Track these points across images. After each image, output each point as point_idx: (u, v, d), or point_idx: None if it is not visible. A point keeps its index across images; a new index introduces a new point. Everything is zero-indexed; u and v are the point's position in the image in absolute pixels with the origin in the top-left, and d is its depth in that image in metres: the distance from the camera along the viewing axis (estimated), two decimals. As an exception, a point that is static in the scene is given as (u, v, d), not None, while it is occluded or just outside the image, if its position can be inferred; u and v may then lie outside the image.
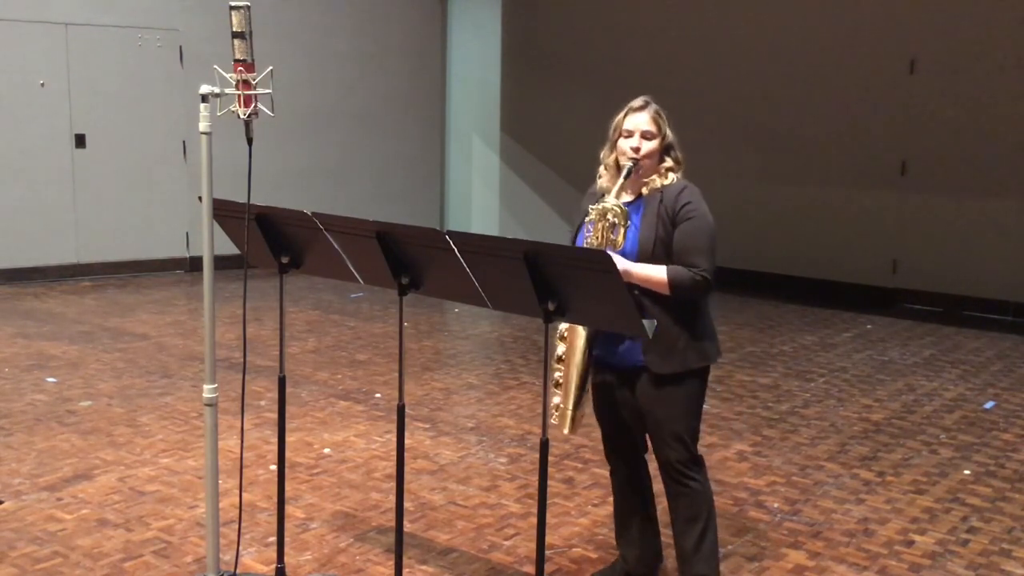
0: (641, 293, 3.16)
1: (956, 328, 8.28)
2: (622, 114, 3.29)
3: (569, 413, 3.29)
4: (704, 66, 10.04)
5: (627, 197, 3.29)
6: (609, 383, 3.37)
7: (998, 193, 8.64)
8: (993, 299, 8.69)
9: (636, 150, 3.22)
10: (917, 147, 9.02)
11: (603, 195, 3.28)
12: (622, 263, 3.12)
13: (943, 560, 3.93)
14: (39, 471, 4.65)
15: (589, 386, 3.34)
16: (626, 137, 3.25)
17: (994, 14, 8.54)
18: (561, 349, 3.30)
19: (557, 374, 3.32)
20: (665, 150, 3.27)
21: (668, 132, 3.27)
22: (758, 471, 4.88)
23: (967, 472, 4.92)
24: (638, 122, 3.24)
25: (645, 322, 2.76)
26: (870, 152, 9.27)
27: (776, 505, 4.45)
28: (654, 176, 3.26)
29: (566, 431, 3.33)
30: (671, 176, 3.26)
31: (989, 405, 6.09)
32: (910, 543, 4.08)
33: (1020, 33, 8.42)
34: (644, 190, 3.27)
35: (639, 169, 3.23)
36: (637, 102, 3.29)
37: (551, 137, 11.36)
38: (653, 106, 3.28)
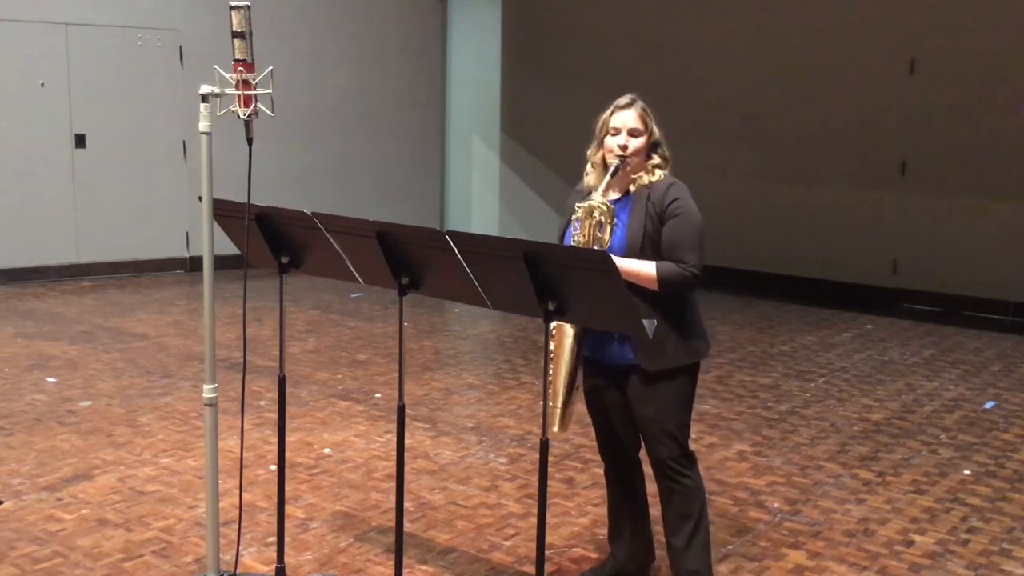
0: (630, 290, 3.15)
1: (956, 328, 8.28)
2: (608, 111, 3.29)
3: (558, 411, 3.28)
4: (704, 66, 10.04)
5: (614, 195, 3.29)
6: (600, 384, 3.37)
7: (998, 193, 8.64)
8: (993, 299, 8.69)
9: (623, 147, 3.22)
10: (917, 147, 9.02)
11: (589, 193, 3.28)
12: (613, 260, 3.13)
13: (943, 560, 3.93)
14: (39, 471, 4.65)
15: (579, 384, 3.33)
16: (613, 135, 3.25)
17: (994, 14, 8.54)
18: (551, 346, 3.28)
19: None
20: (652, 147, 3.27)
21: (655, 129, 3.27)
22: (758, 471, 4.88)
23: (967, 472, 4.92)
24: (625, 119, 3.24)
25: (645, 322, 2.76)
26: (870, 152, 9.27)
27: (776, 505, 4.45)
28: (641, 173, 3.26)
29: (555, 429, 3.31)
30: (658, 173, 3.26)
31: (989, 405, 6.09)
32: (910, 543, 4.08)
33: (1020, 33, 8.43)
34: (631, 187, 3.27)
35: (626, 166, 3.23)
36: (623, 99, 3.29)
37: (551, 137, 11.35)
38: (640, 103, 3.28)
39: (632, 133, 3.23)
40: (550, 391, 3.30)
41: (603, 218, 3.17)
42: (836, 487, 4.68)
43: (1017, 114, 8.47)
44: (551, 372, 3.29)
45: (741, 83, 9.87)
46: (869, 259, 9.35)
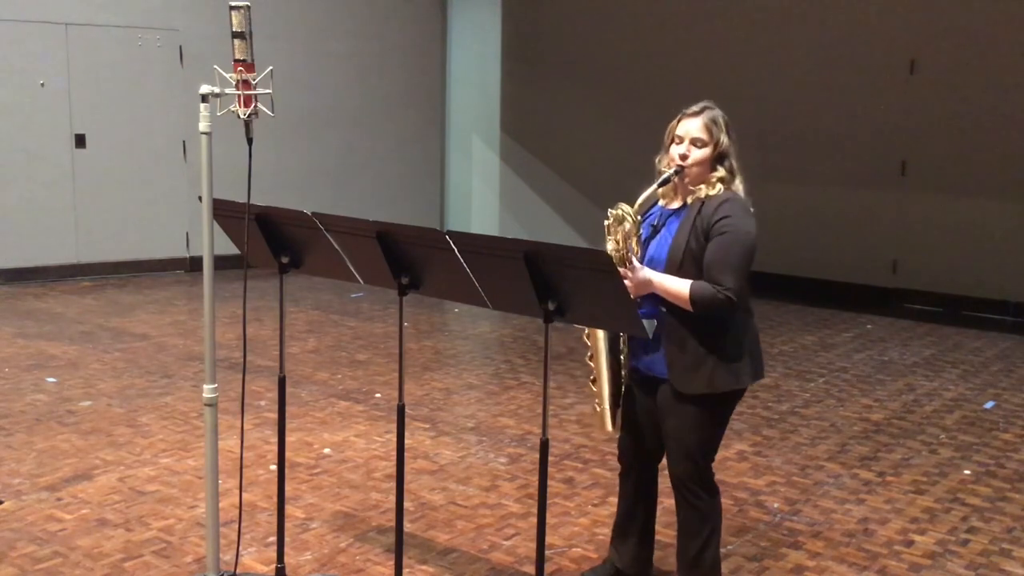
0: (668, 308, 3.09)
1: (956, 328, 8.28)
2: (677, 118, 3.18)
3: (607, 411, 3.27)
4: (704, 66, 10.03)
5: (675, 204, 3.23)
6: (635, 389, 3.34)
7: (998, 193, 8.64)
8: (993, 299, 8.69)
9: (683, 157, 3.12)
10: (917, 147, 9.02)
11: (653, 202, 3.24)
12: (646, 272, 3.09)
13: (943, 560, 3.93)
14: (39, 471, 4.65)
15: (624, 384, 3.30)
16: (677, 143, 3.15)
17: (994, 14, 8.54)
18: (592, 348, 3.26)
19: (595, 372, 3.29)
20: (718, 159, 3.14)
21: (723, 140, 3.14)
22: (758, 471, 4.88)
23: (967, 472, 4.92)
24: (689, 128, 3.13)
25: (645, 322, 2.76)
26: (870, 152, 9.27)
27: (776, 505, 4.45)
28: (702, 185, 3.15)
29: (608, 429, 3.29)
30: (719, 187, 3.13)
31: (989, 405, 6.09)
32: (910, 543, 4.08)
33: (1020, 33, 8.42)
34: (689, 199, 3.17)
35: (684, 177, 3.13)
36: (694, 107, 3.17)
37: (551, 137, 11.35)
38: (711, 112, 3.15)
39: (695, 143, 3.12)
40: (595, 390, 3.29)
41: (629, 228, 3.10)
42: (836, 487, 4.68)
43: (1017, 114, 8.47)
44: (593, 372, 3.27)
45: (741, 83, 9.85)
46: (869, 259, 9.35)
